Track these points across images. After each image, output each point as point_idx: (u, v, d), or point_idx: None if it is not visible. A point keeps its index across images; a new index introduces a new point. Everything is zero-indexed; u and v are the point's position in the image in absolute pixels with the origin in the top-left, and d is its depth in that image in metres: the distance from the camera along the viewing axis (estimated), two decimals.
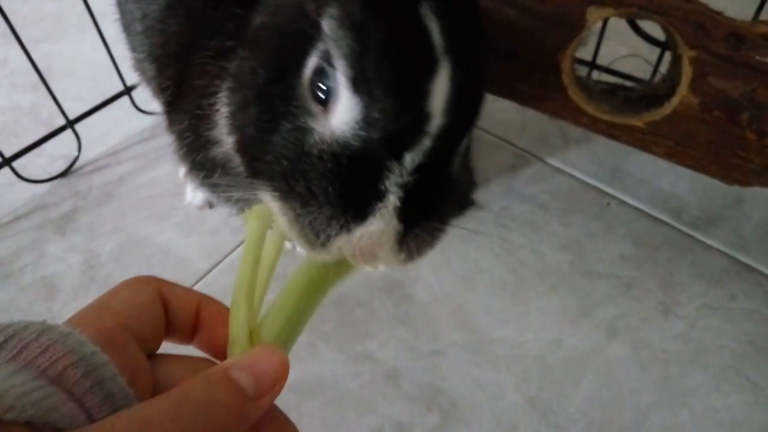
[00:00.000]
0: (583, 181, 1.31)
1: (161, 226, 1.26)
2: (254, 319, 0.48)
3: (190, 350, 0.50)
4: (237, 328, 0.46)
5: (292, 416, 0.98)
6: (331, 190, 0.57)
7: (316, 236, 0.58)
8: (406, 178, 0.57)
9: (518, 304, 1.13)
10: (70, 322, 0.41)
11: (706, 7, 0.91)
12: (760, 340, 1.07)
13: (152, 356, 0.45)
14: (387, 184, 0.57)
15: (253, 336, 0.46)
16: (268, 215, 0.53)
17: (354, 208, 0.57)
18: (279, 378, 0.42)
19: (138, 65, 1.08)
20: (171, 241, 1.23)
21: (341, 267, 0.56)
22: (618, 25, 1.25)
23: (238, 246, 1.23)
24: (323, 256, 0.59)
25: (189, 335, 0.49)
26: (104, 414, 0.36)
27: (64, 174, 1.37)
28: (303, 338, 1.06)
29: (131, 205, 1.30)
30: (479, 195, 1.27)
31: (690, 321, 1.10)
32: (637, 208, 1.27)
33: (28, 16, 1.77)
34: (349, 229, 0.57)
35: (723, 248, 1.19)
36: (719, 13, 0.91)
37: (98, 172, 1.38)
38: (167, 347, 0.48)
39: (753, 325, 1.09)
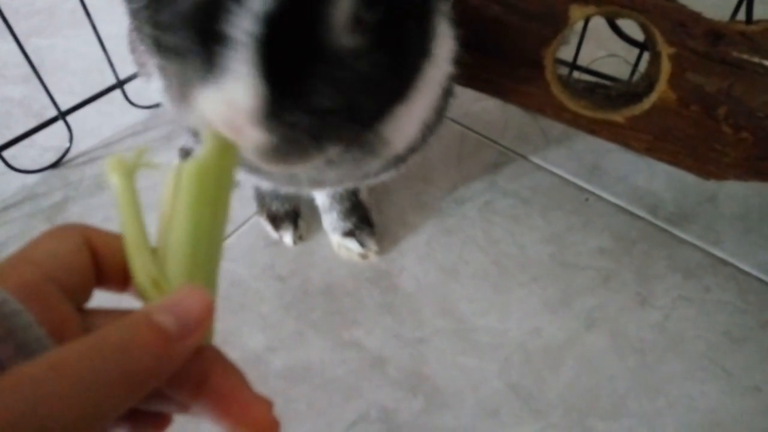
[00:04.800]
0: (563, 178, 1.35)
1: (153, 217, 1.27)
2: (152, 266, 0.44)
3: None
4: (141, 280, 0.43)
5: (280, 401, 1.01)
6: (184, 39, 0.52)
7: (181, 94, 0.53)
8: (253, 25, 0.48)
9: (500, 294, 1.16)
10: None
11: (685, 6, 0.95)
12: (734, 331, 1.11)
13: (85, 310, 0.43)
14: (232, 30, 0.48)
15: (161, 283, 0.43)
16: (126, 165, 0.46)
17: (207, 60, 0.50)
18: (204, 315, 0.39)
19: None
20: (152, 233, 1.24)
21: (222, 173, 0.48)
22: (598, 28, 1.29)
23: (233, 233, 1.25)
24: (195, 119, 0.53)
25: (121, 283, 0.46)
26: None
27: (55, 165, 1.38)
28: (291, 326, 1.10)
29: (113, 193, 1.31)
30: (463, 189, 1.32)
31: (666, 312, 1.13)
32: (614, 204, 1.30)
33: (20, 10, 1.77)
34: (205, 84, 0.50)
35: (698, 243, 1.23)
36: (697, 14, 0.95)
37: (90, 164, 1.39)
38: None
39: (727, 316, 1.13)
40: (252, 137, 0.51)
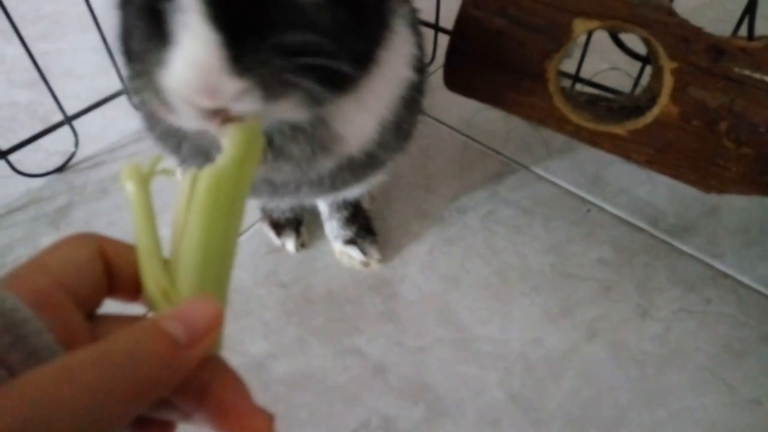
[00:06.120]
0: (564, 189, 1.35)
1: (157, 222, 1.27)
2: (163, 276, 0.44)
3: None
4: (151, 289, 0.43)
5: (281, 408, 1.02)
6: (141, 28, 0.53)
7: (154, 92, 0.54)
8: None
9: (502, 304, 1.16)
10: None
11: (687, 21, 0.96)
12: (735, 344, 1.11)
13: (94, 317, 0.43)
14: None
15: (170, 294, 0.43)
16: (141, 172, 0.47)
17: (158, 33, 0.51)
18: (212, 325, 0.39)
19: None
20: (166, 236, 1.24)
21: (239, 183, 0.48)
22: (601, 41, 1.30)
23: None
24: (184, 119, 0.54)
25: (133, 293, 0.45)
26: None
27: (60, 169, 1.39)
28: (293, 332, 1.11)
29: (126, 200, 1.31)
30: (465, 198, 1.33)
31: (666, 323, 1.14)
32: (616, 216, 1.31)
33: (26, 15, 1.78)
34: (162, 59, 0.50)
35: (698, 255, 1.23)
36: (699, 29, 0.96)
37: (94, 169, 1.40)
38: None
39: (728, 328, 1.13)
40: (230, 88, 0.50)
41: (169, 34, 0.50)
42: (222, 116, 0.52)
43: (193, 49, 0.49)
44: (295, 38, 0.53)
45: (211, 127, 0.53)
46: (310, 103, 0.58)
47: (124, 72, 0.80)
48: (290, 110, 0.58)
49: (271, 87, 0.53)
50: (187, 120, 0.54)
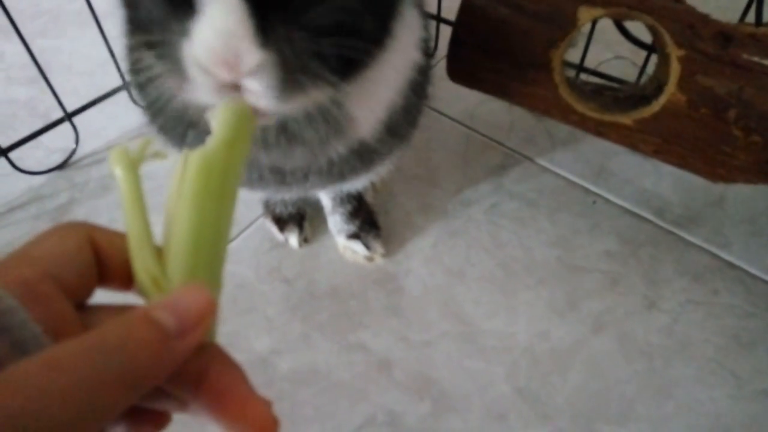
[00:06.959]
0: (569, 180, 1.34)
1: (158, 218, 1.26)
2: (153, 264, 0.42)
3: None
4: (141, 277, 0.42)
5: (286, 405, 1.01)
6: (156, 6, 0.52)
7: (168, 63, 0.54)
8: None
9: (507, 297, 1.15)
10: None
11: (694, 8, 0.95)
12: (743, 335, 1.10)
13: (85, 307, 0.42)
14: None
15: (161, 281, 0.42)
16: (130, 156, 0.45)
17: (184, 9, 0.50)
18: (204, 314, 0.38)
19: None
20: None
21: (230, 165, 0.46)
22: (605, 31, 1.29)
23: (238, 235, 1.25)
24: (201, 92, 0.53)
25: (125, 282, 0.44)
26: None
27: (61, 166, 1.38)
28: (297, 328, 1.10)
29: None
30: (468, 191, 1.32)
31: (674, 315, 1.13)
32: (621, 207, 1.29)
33: (25, 11, 1.76)
34: (190, 32, 0.50)
35: (705, 246, 1.22)
36: (706, 16, 0.95)
37: (95, 165, 1.39)
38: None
39: (735, 319, 1.12)
40: (253, 59, 0.49)
41: (191, 3, 0.49)
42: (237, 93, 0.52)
43: (218, 15, 0.48)
44: (319, 13, 0.52)
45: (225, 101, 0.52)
46: (325, 89, 0.58)
47: (124, 62, 0.79)
48: (306, 100, 0.57)
49: (290, 72, 0.52)
50: (203, 93, 0.53)
